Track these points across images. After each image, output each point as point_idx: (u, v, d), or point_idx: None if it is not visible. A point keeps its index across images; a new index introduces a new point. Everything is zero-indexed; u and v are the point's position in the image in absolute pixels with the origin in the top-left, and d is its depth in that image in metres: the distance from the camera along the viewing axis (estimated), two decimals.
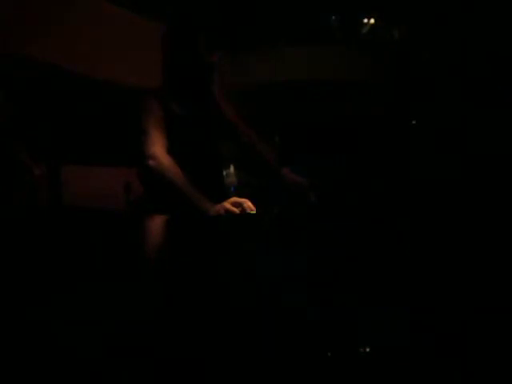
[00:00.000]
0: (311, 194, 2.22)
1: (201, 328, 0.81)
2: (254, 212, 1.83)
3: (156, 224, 2.00)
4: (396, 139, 4.11)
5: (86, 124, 3.21)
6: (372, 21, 4.52)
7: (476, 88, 3.76)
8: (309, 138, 4.20)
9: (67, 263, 1.24)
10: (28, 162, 2.28)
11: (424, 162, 3.67)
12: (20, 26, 2.84)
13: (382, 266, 1.12)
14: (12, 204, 2.17)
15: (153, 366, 0.70)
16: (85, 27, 3.22)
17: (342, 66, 4.39)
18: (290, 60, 4.33)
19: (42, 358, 0.74)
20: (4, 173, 2.21)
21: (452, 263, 1.14)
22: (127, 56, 3.39)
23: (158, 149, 2.00)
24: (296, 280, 1.02)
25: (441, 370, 0.68)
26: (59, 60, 3.03)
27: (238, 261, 1.23)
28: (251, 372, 0.69)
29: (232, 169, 3.37)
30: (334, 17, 4.55)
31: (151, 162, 1.98)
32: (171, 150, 2.02)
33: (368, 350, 0.70)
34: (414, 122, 4.16)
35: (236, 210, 1.83)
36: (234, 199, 1.87)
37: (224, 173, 2.57)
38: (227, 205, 1.84)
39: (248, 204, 1.84)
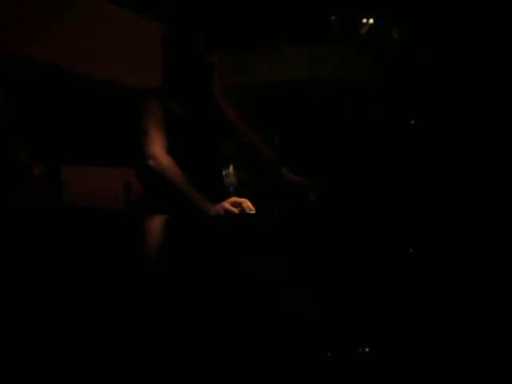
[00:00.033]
0: (311, 194, 2.22)
1: (201, 328, 0.81)
2: (254, 212, 1.83)
3: (156, 224, 2.00)
4: (396, 139, 4.11)
5: (85, 124, 3.21)
6: (371, 21, 4.51)
7: (476, 88, 3.76)
8: (309, 137, 4.20)
9: (67, 263, 1.24)
10: (28, 162, 2.28)
11: (424, 161, 3.67)
12: (20, 26, 2.84)
13: (382, 266, 1.12)
14: (12, 204, 2.17)
15: (153, 366, 0.70)
16: (85, 27, 3.22)
17: (342, 66, 4.39)
18: (290, 60, 4.33)
19: (42, 358, 0.74)
20: (4, 173, 2.21)
21: (452, 263, 1.14)
22: (127, 56, 3.39)
23: (157, 149, 2.00)
24: (296, 280, 1.02)
25: (441, 370, 0.68)
26: (59, 60, 3.03)
27: (237, 261, 1.23)
28: (251, 372, 0.69)
29: (231, 169, 3.37)
30: (333, 17, 4.54)
31: (151, 162, 1.98)
32: (171, 150, 2.02)
33: (368, 349, 0.70)
34: (412, 122, 4.16)
35: (235, 210, 1.83)
36: (234, 199, 1.87)
37: (224, 173, 2.57)
38: (227, 205, 1.84)
39: (247, 204, 1.84)
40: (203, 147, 2.18)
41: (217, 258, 1.28)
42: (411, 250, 1.28)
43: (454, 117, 3.84)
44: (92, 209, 2.56)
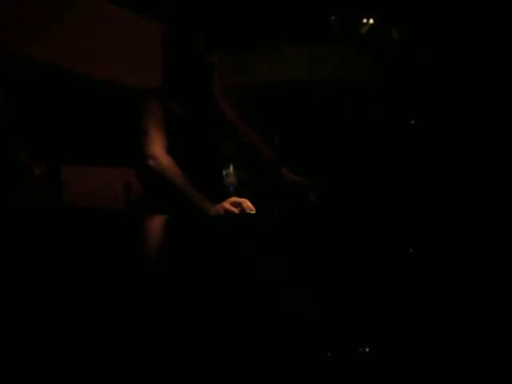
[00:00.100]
0: (311, 194, 2.22)
1: (201, 328, 0.81)
2: (254, 212, 1.83)
3: (156, 224, 2.00)
4: (396, 139, 4.11)
5: (85, 124, 3.21)
6: (371, 21, 4.51)
7: (476, 88, 3.76)
8: (309, 137, 4.20)
9: (67, 263, 1.24)
10: (28, 161, 2.28)
11: (424, 162, 3.66)
12: (20, 26, 2.84)
13: (382, 266, 1.12)
14: (12, 204, 2.17)
15: (153, 366, 0.70)
16: (85, 27, 3.22)
17: (342, 66, 4.39)
18: (290, 60, 4.32)
19: (42, 358, 0.74)
20: (4, 173, 2.21)
21: (452, 263, 1.14)
22: (127, 56, 3.39)
23: (157, 149, 2.00)
24: (296, 280, 1.02)
25: (441, 369, 0.68)
26: (59, 60, 3.02)
27: (237, 261, 1.23)
28: (251, 372, 0.69)
29: (231, 169, 3.37)
30: (333, 17, 4.54)
31: (151, 162, 1.98)
32: (171, 150, 2.02)
33: (368, 349, 0.70)
34: (412, 122, 4.16)
35: (235, 210, 1.83)
36: (234, 199, 1.87)
37: (224, 173, 2.57)
38: (227, 205, 1.84)
39: (247, 204, 1.84)
40: (203, 147, 2.18)
41: (217, 258, 1.28)
42: (411, 250, 1.28)
43: (453, 117, 3.83)
44: (92, 209, 2.56)
